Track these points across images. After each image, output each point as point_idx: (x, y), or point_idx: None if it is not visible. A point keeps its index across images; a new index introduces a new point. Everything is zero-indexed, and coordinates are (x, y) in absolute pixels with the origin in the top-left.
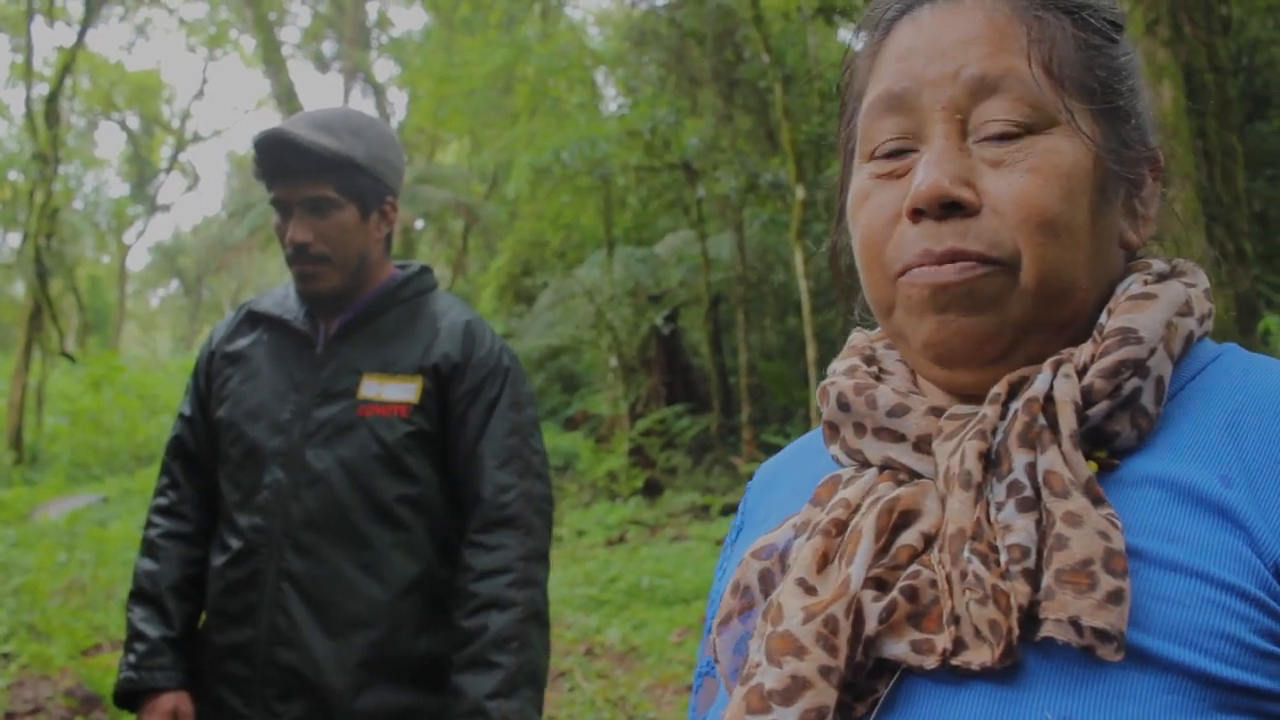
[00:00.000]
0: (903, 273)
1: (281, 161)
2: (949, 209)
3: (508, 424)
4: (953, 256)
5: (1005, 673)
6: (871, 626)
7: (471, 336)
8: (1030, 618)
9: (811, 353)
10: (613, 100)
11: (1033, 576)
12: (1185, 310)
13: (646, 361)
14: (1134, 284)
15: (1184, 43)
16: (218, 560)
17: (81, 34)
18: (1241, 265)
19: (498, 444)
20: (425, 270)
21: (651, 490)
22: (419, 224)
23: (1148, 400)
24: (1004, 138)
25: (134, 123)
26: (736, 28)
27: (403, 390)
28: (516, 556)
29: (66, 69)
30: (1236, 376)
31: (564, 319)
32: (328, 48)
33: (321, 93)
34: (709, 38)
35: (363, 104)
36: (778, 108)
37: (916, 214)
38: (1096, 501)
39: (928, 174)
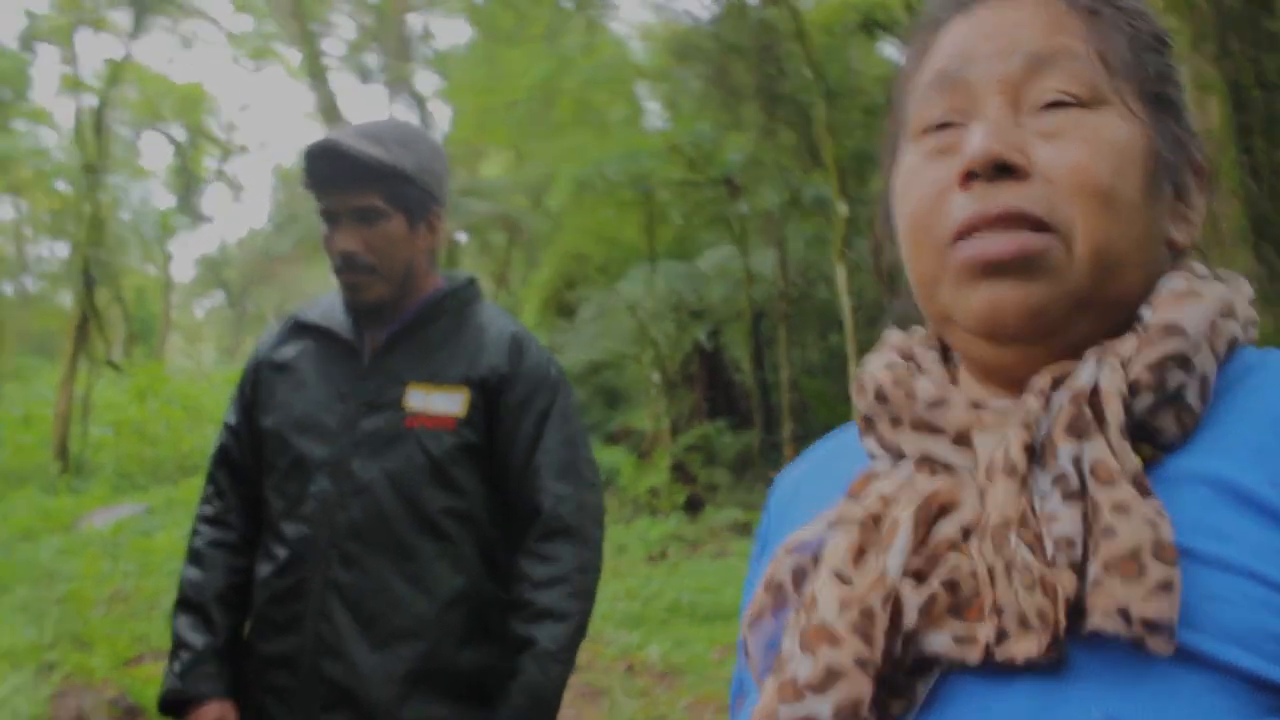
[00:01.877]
0: (954, 240)
1: (331, 171)
2: (1001, 172)
3: (561, 435)
4: (1007, 216)
5: (1050, 668)
6: (911, 619)
7: (519, 348)
8: (1076, 611)
9: (854, 370)
10: (655, 114)
11: (1079, 568)
12: (1229, 312)
13: (688, 377)
14: (1178, 281)
15: (1231, 59)
16: (264, 570)
17: (129, 45)
18: None
19: (553, 455)
20: (471, 281)
21: (693, 506)
22: (461, 237)
23: (1192, 397)
24: (1057, 106)
25: (179, 134)
26: (778, 43)
27: (449, 402)
28: (574, 567)
29: (114, 80)
30: None
31: (606, 333)
32: (371, 60)
33: (365, 105)
34: (751, 52)
35: (406, 116)
36: (820, 123)
37: (968, 178)
38: (1144, 492)
39: (982, 138)
